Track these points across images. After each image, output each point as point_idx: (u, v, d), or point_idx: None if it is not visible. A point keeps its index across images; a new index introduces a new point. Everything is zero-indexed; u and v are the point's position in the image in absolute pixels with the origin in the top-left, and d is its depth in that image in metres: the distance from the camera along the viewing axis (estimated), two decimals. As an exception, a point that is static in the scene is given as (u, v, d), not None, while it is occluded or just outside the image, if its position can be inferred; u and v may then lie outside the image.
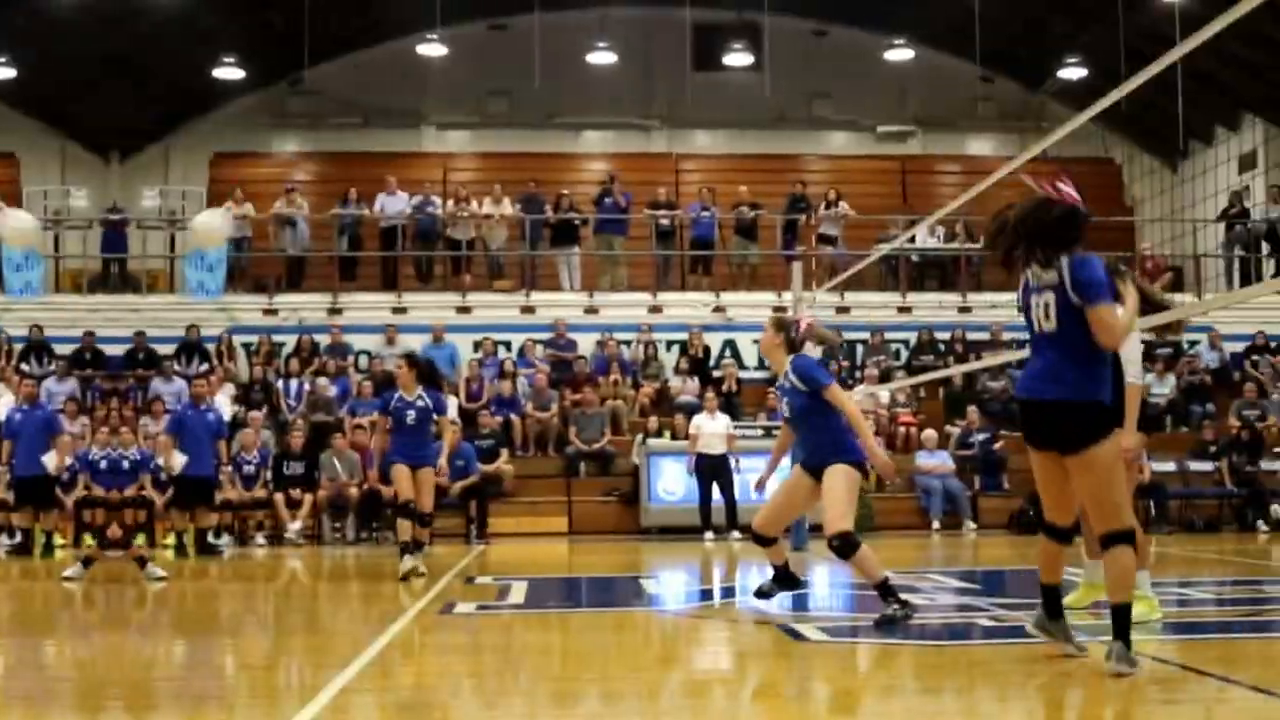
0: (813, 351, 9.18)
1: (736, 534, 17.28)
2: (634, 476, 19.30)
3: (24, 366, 21.04)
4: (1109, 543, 6.04)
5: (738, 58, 27.45)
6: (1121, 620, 5.89)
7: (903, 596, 8.35)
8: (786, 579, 9.02)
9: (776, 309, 21.59)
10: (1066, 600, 7.64)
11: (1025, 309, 6.30)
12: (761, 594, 9.03)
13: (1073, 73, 26.82)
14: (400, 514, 12.26)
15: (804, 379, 8.53)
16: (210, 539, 16.70)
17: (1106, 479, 6.02)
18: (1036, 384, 6.18)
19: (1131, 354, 8.06)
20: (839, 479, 8.39)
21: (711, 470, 17.93)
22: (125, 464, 18.31)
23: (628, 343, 22.35)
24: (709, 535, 17.64)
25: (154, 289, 24.55)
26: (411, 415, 12.22)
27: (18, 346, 21.77)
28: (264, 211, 23.85)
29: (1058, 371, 6.06)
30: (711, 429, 18.21)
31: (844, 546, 8.32)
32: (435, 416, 12.37)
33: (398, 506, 12.38)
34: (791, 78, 28.00)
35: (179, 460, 16.08)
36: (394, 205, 23.65)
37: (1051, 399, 6.07)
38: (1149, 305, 7.64)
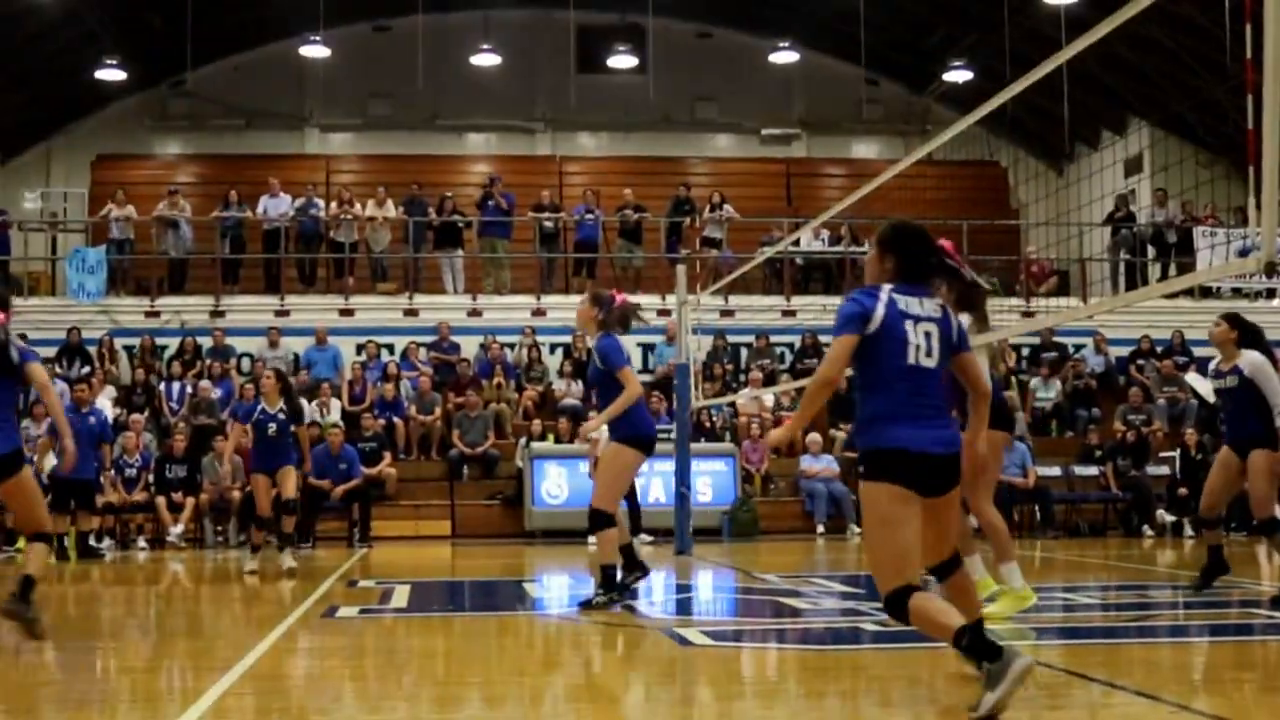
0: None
1: (645, 536, 17.28)
2: (518, 480, 19.27)
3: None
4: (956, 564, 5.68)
5: (622, 60, 27.53)
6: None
7: (619, 589, 9.01)
8: (633, 564, 9.44)
9: (661, 312, 21.75)
10: (988, 611, 7.52)
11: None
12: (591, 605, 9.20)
13: (958, 76, 27.15)
14: (258, 524, 13.70)
15: (603, 358, 9.26)
16: (91, 542, 16.43)
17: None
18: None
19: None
20: (609, 457, 9.24)
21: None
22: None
23: (512, 346, 22.31)
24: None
25: (35, 291, 24.04)
26: (273, 427, 13.14)
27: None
28: (146, 214, 23.46)
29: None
30: None
31: (593, 520, 9.16)
32: (293, 427, 13.28)
33: (256, 517, 13.71)
34: (676, 80, 28.16)
35: (50, 462, 15.83)
36: (277, 207, 23.39)
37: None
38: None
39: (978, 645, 5.08)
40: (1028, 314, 22.54)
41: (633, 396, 9.20)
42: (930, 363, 5.42)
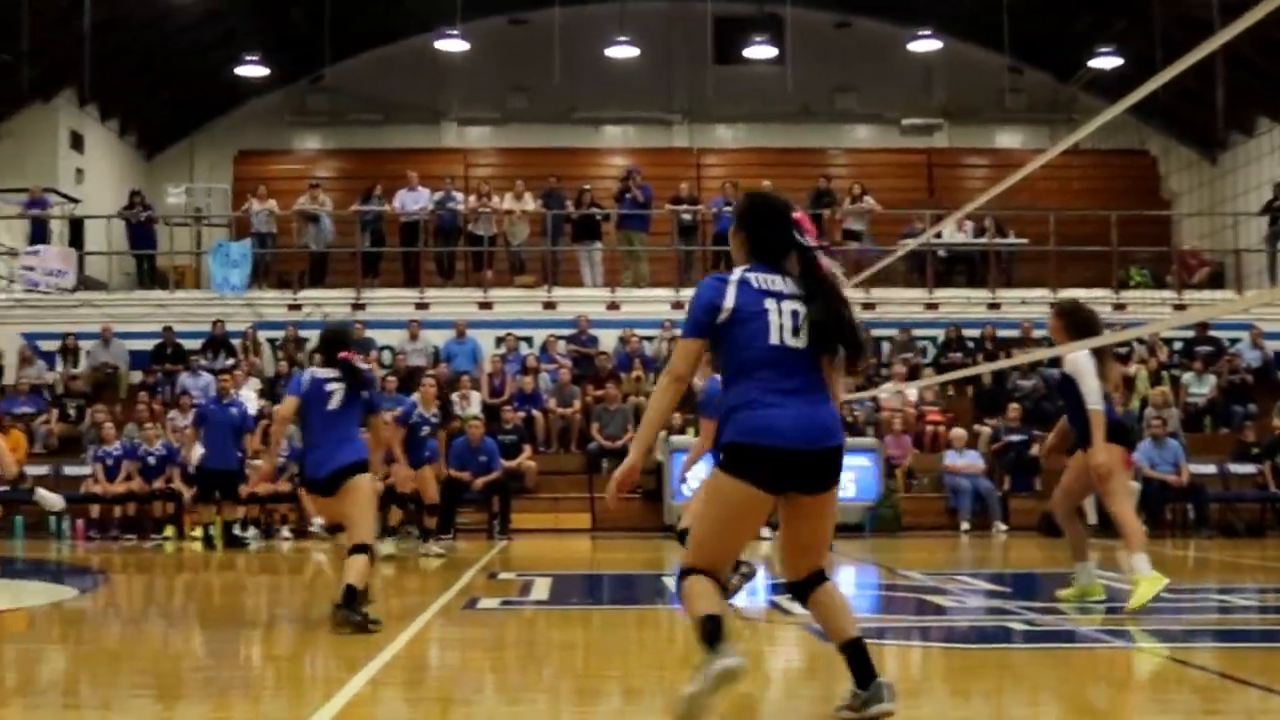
0: None
1: (765, 531, 17.14)
2: (657, 473, 19.31)
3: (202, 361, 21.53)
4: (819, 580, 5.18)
5: (759, 50, 27.41)
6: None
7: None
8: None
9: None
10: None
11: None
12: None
13: (1105, 62, 26.50)
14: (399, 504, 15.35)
15: None
16: (236, 531, 16.83)
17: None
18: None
19: (1089, 382, 9.03)
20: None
21: None
22: (152, 459, 18.61)
23: (650, 339, 22.36)
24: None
25: (180, 285, 24.71)
26: (426, 429, 14.80)
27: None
28: (287, 208, 23.95)
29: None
30: None
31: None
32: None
33: (397, 497, 15.27)
34: (814, 70, 27.95)
35: (197, 453, 16.30)
36: (415, 200, 23.70)
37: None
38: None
39: (715, 635, 4.82)
40: (1180, 307, 22.07)
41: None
42: (798, 342, 4.99)
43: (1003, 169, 21.51)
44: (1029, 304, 22.30)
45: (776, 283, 5.10)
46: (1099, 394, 9.05)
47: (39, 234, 23.51)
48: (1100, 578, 9.48)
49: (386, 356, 22.19)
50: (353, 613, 7.97)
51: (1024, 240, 24.17)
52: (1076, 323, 9.36)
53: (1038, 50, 28.28)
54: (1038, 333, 21.82)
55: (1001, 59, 27.25)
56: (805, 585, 5.20)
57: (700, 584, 5.00)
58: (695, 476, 9.60)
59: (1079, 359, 9.30)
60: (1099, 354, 9.34)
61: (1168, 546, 16.38)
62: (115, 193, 25.86)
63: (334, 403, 8.61)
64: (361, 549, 8.29)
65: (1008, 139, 29.53)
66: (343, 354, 8.76)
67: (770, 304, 5.03)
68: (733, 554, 5.28)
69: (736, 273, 5.15)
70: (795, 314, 5.02)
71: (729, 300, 5.05)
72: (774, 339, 4.99)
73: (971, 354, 21.82)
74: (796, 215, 5.25)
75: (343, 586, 8.08)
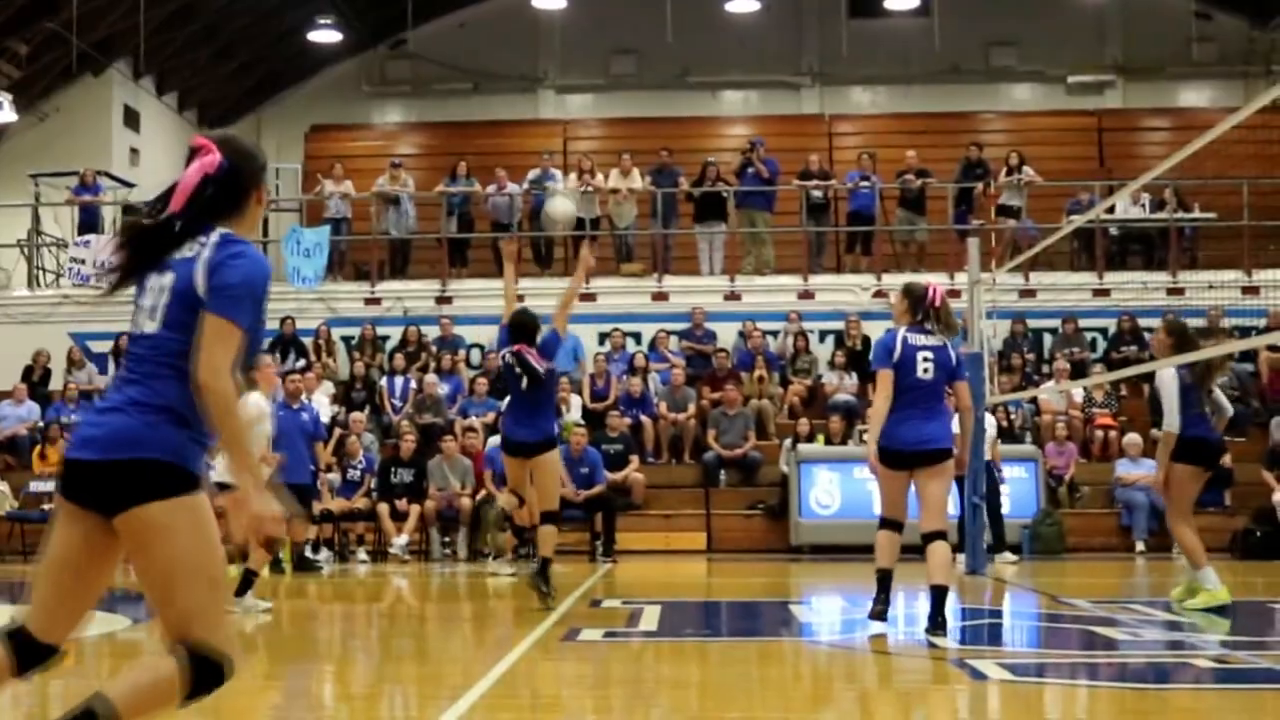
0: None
1: (1009, 555, 17.08)
2: (782, 487, 19.25)
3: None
4: None
5: (902, 1, 27.21)
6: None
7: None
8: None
9: (950, 293, 21.40)
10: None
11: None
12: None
13: (1311, 4, 26.01)
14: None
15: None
16: (308, 554, 17.04)
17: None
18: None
19: (1169, 403, 11.16)
20: None
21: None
22: (213, 472, 18.83)
23: (774, 333, 22.30)
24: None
25: (244, 278, 25.05)
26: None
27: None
28: (365, 189, 24.20)
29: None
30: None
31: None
32: None
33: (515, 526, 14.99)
34: (966, 22, 27.69)
35: (267, 470, 16.41)
36: (505, 207, 23.72)
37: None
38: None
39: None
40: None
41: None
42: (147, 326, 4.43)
43: (1187, 132, 20.96)
44: (1218, 289, 21.85)
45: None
46: (1175, 414, 11.11)
47: (90, 222, 23.95)
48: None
49: (475, 356, 22.34)
50: (542, 581, 10.39)
51: (1211, 215, 23.73)
52: (1182, 342, 11.44)
53: (1229, -8, 27.80)
54: (1228, 321, 21.40)
55: (1187, 3, 26.86)
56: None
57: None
58: None
59: (1164, 377, 11.39)
60: (1201, 372, 11.28)
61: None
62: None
63: (523, 384, 11.41)
64: (551, 517, 10.53)
65: (1193, 96, 29.03)
66: (517, 345, 11.36)
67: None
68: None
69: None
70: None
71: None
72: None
73: (1148, 348, 21.48)
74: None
75: (538, 559, 10.50)
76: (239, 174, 4.55)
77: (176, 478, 4.31)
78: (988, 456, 17.61)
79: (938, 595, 9.20)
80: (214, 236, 4.43)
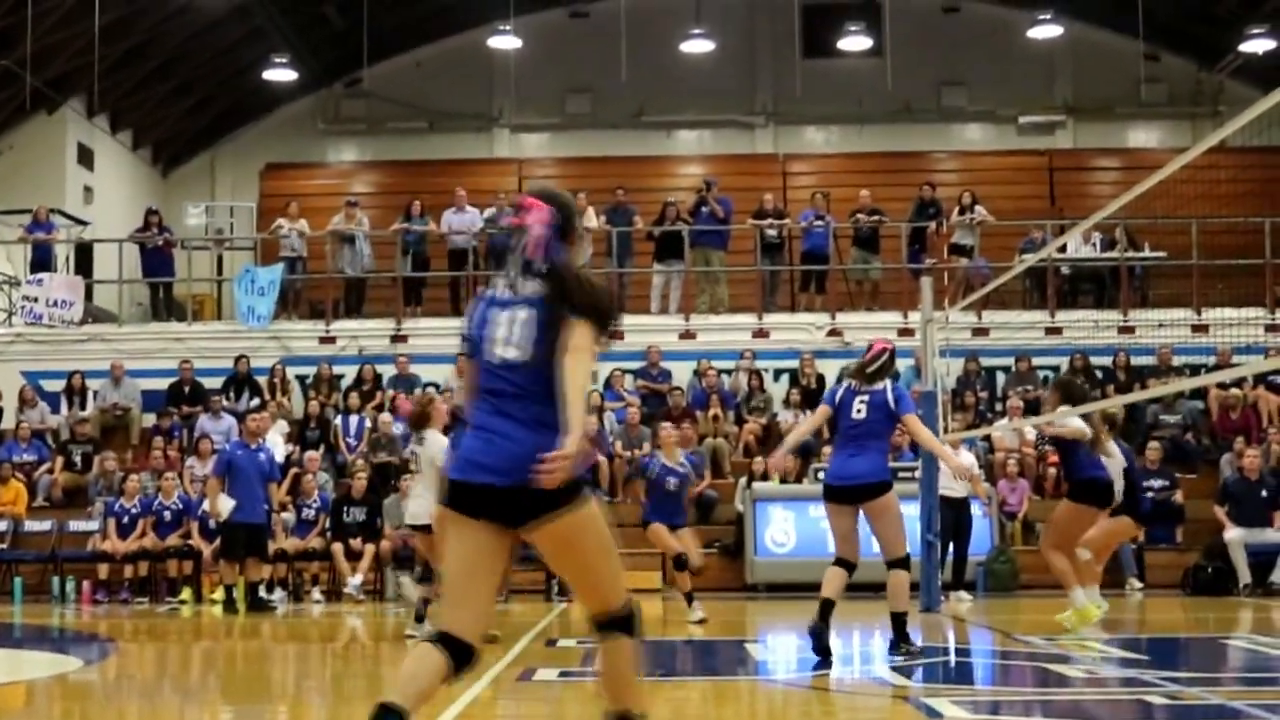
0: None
1: (964, 593, 17.16)
2: (738, 525, 19.23)
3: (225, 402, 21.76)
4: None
5: (854, 41, 27.39)
6: None
7: None
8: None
9: (903, 332, 21.50)
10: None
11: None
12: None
13: (1257, 45, 26.13)
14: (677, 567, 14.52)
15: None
16: (262, 593, 16.92)
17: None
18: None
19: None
20: None
21: (953, 519, 17.35)
22: (167, 513, 18.81)
23: (729, 372, 22.31)
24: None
25: (199, 316, 24.97)
26: (673, 482, 14.57)
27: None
28: (320, 227, 24.15)
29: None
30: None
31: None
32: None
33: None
34: (918, 63, 27.90)
35: (226, 506, 16.35)
36: (462, 223, 23.78)
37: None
38: None
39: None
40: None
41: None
42: (513, 355, 5.21)
43: (1137, 172, 21.24)
44: (1168, 327, 22.02)
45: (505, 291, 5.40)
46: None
47: (43, 261, 23.82)
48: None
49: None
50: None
51: (1162, 254, 23.90)
52: (1069, 396, 12.44)
53: (1177, 34, 28.06)
54: (1178, 359, 21.56)
55: (1135, 45, 27.06)
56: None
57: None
58: None
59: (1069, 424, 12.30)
60: (1096, 423, 12.31)
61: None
62: (128, 213, 26.22)
63: None
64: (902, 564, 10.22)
65: (1142, 137, 29.31)
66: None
67: (497, 312, 5.37)
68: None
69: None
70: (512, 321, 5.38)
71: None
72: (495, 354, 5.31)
73: (1101, 386, 21.58)
74: None
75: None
76: (566, 220, 5.43)
77: (577, 487, 5.07)
78: (963, 493, 17.69)
79: (895, 621, 9.86)
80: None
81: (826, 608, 9.95)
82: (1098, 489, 12.29)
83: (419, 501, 12.76)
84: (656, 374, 22.38)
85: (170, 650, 12.99)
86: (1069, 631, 12.02)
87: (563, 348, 5.12)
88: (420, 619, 12.20)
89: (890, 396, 10.23)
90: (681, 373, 22.40)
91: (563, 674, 9.78)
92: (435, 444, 12.30)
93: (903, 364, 21.55)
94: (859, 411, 10.21)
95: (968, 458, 17.77)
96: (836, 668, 9.74)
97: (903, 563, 10.12)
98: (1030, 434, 20.29)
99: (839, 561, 10.13)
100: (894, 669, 9.43)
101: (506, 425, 5.09)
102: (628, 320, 23.22)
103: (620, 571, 5.27)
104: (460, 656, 5.05)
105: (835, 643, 10.21)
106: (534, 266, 5.29)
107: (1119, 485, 12.70)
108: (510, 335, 5.18)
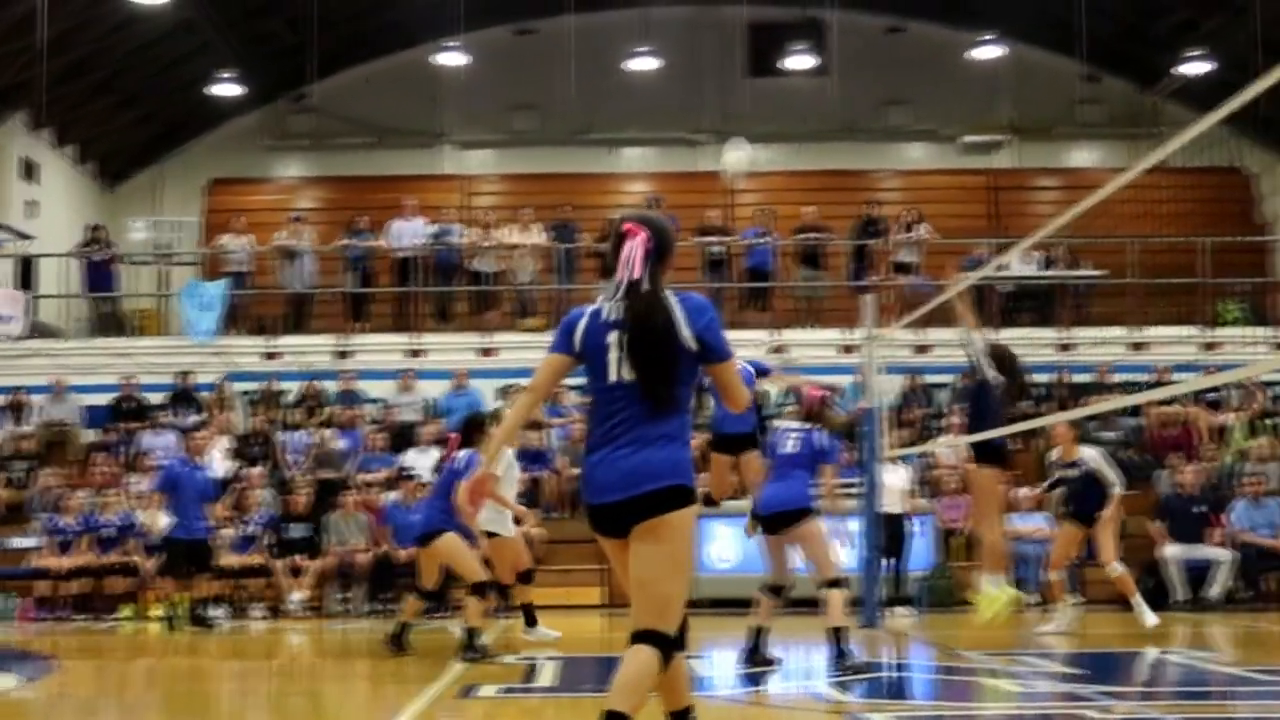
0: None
1: (904, 610, 17.23)
2: (683, 541, 19.21)
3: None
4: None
5: (799, 60, 27.48)
6: None
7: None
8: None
9: (845, 349, 21.58)
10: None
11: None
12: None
13: (1194, 68, 26.34)
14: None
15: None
16: (202, 611, 16.75)
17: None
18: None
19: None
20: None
21: (891, 534, 17.45)
22: (109, 529, 18.62)
23: (674, 388, 22.27)
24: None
25: (142, 332, 24.79)
26: None
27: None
28: (265, 243, 24.06)
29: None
30: (889, 483, 17.38)
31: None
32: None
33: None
34: (862, 82, 28.00)
35: (161, 521, 16.26)
36: (410, 232, 23.76)
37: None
38: None
39: None
40: (1281, 346, 21.94)
41: None
42: (629, 376, 5.54)
43: (1076, 191, 21.37)
44: (1107, 344, 22.19)
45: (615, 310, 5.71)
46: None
47: (-14, 274, 23.66)
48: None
49: (375, 411, 22.20)
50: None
51: (1101, 272, 24.09)
52: (1001, 364, 12.81)
53: (1117, 55, 28.26)
54: (1117, 376, 21.71)
55: (1075, 66, 27.25)
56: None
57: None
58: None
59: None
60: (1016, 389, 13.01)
61: (1265, 621, 16.22)
62: (72, 228, 25.98)
63: None
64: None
65: (1082, 157, 29.50)
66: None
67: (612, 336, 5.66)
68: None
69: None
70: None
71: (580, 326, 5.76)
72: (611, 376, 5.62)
73: (1040, 403, 21.70)
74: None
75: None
76: (663, 244, 5.78)
77: (689, 494, 5.45)
78: (901, 509, 17.77)
79: (834, 636, 10.11)
80: (671, 298, 5.67)
81: (759, 634, 10.61)
82: (999, 449, 12.61)
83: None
84: (601, 390, 22.32)
85: (110, 667, 12.86)
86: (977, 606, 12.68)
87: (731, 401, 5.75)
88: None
89: (824, 441, 10.84)
90: (626, 389, 22.35)
91: (504, 690, 9.75)
92: (504, 460, 12.58)
93: (845, 381, 21.71)
94: (791, 446, 10.73)
95: (900, 474, 18.08)
96: (776, 683, 9.74)
97: (835, 583, 10.43)
98: (946, 454, 20.30)
99: (769, 587, 10.76)
100: (833, 684, 9.43)
101: (626, 446, 5.43)
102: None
103: (682, 600, 5.51)
104: (665, 646, 5.44)
105: (775, 654, 10.34)
106: (635, 289, 5.61)
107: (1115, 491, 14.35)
108: (624, 356, 5.52)
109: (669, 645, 5.45)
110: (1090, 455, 14.71)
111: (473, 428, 12.70)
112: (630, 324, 5.53)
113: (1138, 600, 14.30)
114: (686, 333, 5.55)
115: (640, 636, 5.44)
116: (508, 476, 12.79)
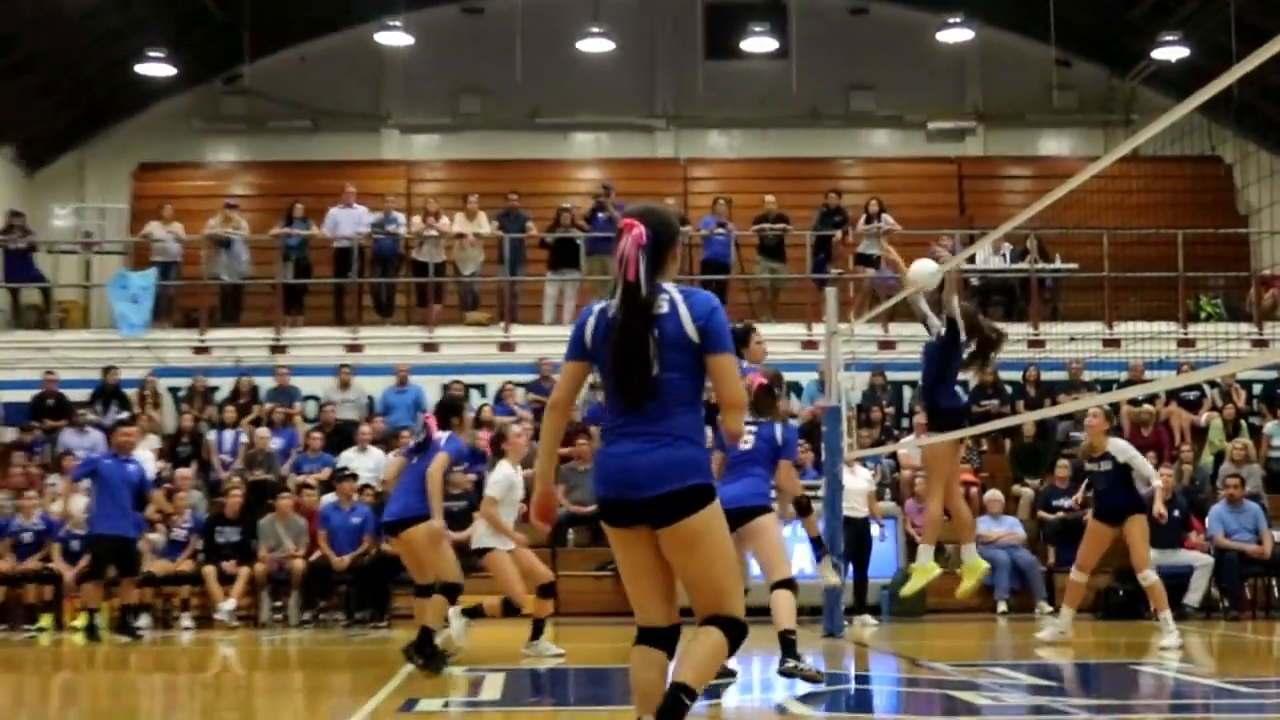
0: None
1: (868, 617, 17.22)
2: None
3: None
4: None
5: (759, 42, 27.44)
6: None
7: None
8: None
9: (807, 344, 21.56)
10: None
11: None
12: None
13: (1170, 53, 26.42)
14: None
15: None
16: (128, 620, 16.56)
17: None
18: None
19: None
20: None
21: (855, 539, 17.35)
22: (27, 534, 18.40)
23: (629, 385, 22.21)
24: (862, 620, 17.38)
25: (65, 324, 24.54)
26: None
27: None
28: (196, 231, 23.87)
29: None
30: (852, 485, 17.30)
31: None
32: None
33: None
34: (824, 66, 28.02)
35: (78, 505, 16.06)
36: (349, 221, 23.60)
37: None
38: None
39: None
40: (1261, 343, 22.02)
41: None
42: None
43: (1048, 181, 21.38)
44: (1079, 340, 22.22)
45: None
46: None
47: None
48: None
49: (311, 408, 22.04)
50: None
51: (1073, 265, 24.17)
52: (972, 329, 12.39)
53: (1090, 40, 28.36)
54: (1089, 374, 21.75)
55: (1047, 50, 27.29)
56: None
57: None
58: None
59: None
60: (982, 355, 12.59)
61: (1246, 630, 16.28)
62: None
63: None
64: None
65: (1054, 145, 29.57)
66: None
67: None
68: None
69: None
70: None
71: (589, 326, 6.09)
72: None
73: (1010, 401, 21.75)
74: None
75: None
76: (662, 240, 5.92)
77: (710, 492, 5.82)
78: (865, 512, 17.73)
79: (783, 639, 9.92)
80: (674, 293, 5.87)
81: None
82: (956, 412, 12.89)
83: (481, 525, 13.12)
84: (550, 387, 22.24)
85: (27, 682, 12.68)
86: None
87: (720, 394, 5.95)
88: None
89: (780, 434, 10.64)
90: (576, 387, 22.28)
91: (447, 704, 9.66)
92: (503, 477, 13.06)
93: (806, 378, 21.70)
94: (746, 442, 10.47)
95: (864, 476, 18.06)
96: (735, 696, 9.66)
97: (787, 584, 10.21)
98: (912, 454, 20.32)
99: None
100: (797, 699, 9.36)
101: (638, 443, 5.83)
102: (519, 330, 23.19)
103: (739, 585, 5.96)
104: (734, 629, 5.86)
105: (731, 665, 10.24)
106: (632, 291, 5.82)
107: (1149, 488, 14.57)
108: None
109: (739, 628, 5.85)
110: (1122, 447, 14.32)
111: (450, 410, 12.72)
112: (620, 326, 5.82)
113: (1166, 616, 13.90)
114: (690, 327, 5.78)
115: (710, 620, 5.83)
116: (508, 499, 13.03)
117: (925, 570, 12.77)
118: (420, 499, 12.00)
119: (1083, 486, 15.56)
